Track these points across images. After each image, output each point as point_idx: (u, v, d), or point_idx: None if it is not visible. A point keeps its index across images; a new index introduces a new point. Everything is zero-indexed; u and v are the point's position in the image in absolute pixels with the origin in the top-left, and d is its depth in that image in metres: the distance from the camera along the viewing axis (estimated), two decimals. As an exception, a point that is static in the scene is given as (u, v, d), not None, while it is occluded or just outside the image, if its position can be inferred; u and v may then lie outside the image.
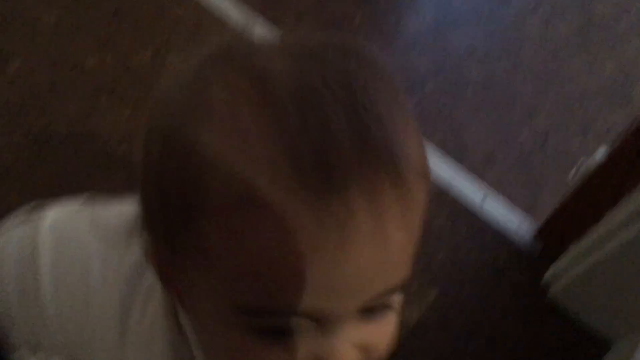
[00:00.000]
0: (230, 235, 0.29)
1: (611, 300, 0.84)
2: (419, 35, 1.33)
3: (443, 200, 1.00)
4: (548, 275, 0.92)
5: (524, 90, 1.29)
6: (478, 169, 1.08)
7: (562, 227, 0.91)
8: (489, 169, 1.10)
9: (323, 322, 0.32)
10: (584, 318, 0.89)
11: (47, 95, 0.95)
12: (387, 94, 0.31)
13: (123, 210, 0.42)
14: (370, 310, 0.34)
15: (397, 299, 0.35)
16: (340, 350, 0.33)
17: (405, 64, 1.28)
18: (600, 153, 0.83)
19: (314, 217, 0.28)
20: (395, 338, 0.38)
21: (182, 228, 0.31)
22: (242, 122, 0.29)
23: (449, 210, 0.98)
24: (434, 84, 1.25)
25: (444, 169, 1.05)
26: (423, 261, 0.93)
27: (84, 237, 0.43)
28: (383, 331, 0.36)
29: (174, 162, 0.31)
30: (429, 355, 0.86)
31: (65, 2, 1.05)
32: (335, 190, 0.27)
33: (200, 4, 1.13)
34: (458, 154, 1.09)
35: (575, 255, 0.86)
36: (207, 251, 0.31)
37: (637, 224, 0.74)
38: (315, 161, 0.27)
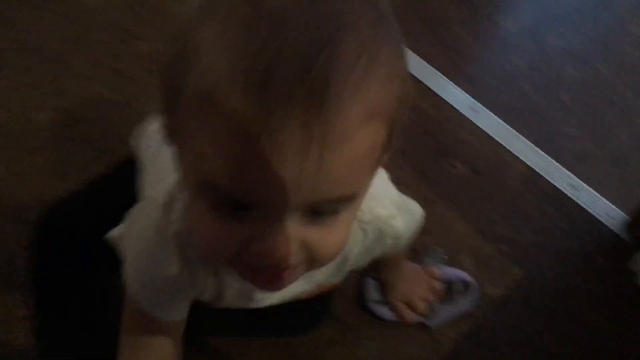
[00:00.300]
0: (195, 123, 0.37)
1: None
2: (516, 36, 1.35)
3: (533, 184, 1.02)
4: (636, 262, 0.91)
5: (623, 92, 1.28)
6: (571, 167, 1.08)
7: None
8: (582, 167, 1.10)
9: (264, 213, 0.38)
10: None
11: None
12: (367, 41, 0.35)
13: None
14: (318, 213, 0.39)
15: (347, 212, 0.41)
16: (281, 240, 0.38)
17: (501, 63, 1.30)
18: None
19: (255, 125, 0.34)
20: (339, 247, 0.43)
21: (172, 111, 0.40)
22: (227, 37, 0.35)
23: (538, 195, 1.00)
24: (529, 83, 1.27)
25: (536, 157, 1.07)
26: (508, 242, 0.95)
27: None
28: (327, 235, 0.41)
29: (173, 54, 0.38)
30: (511, 331, 0.88)
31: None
32: (272, 109, 0.33)
33: None
34: (551, 153, 1.10)
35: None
36: (182, 132, 0.39)
37: None
38: (263, 83, 0.33)
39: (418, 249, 0.90)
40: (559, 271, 0.93)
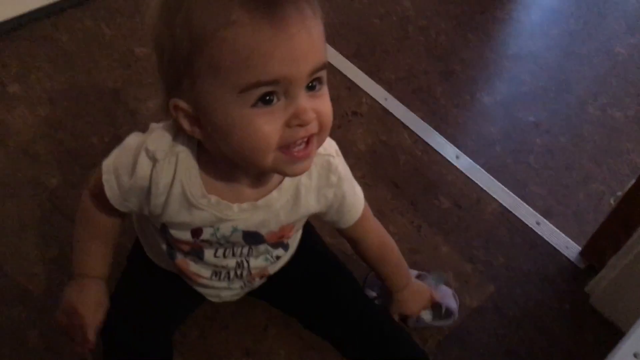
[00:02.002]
0: (224, 43, 0.55)
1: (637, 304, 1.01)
2: (490, 109, 1.55)
3: (505, 219, 1.22)
4: (589, 285, 1.11)
5: (580, 160, 1.48)
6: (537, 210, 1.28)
7: (602, 245, 1.11)
8: (545, 220, 1.28)
9: (289, 93, 0.57)
10: (616, 321, 1.07)
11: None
12: None
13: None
14: (312, 88, 0.60)
15: (325, 85, 0.62)
16: (304, 105, 0.58)
17: (477, 130, 1.49)
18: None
19: (265, 22, 0.54)
20: (331, 112, 0.63)
21: (197, 56, 0.57)
22: None
23: (509, 226, 1.20)
24: (502, 148, 1.45)
25: (506, 196, 1.27)
26: (484, 263, 1.14)
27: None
28: (324, 103, 0.62)
29: (179, 24, 0.56)
30: (484, 334, 1.05)
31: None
32: (274, 6, 0.54)
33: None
34: (520, 197, 1.30)
35: (610, 267, 1.05)
36: (213, 61, 0.56)
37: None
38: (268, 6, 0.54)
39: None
40: (525, 289, 1.12)
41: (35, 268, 1.03)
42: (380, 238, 0.91)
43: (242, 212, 0.72)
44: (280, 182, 0.73)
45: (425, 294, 0.99)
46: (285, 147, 0.60)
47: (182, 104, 0.61)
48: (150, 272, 0.90)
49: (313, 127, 0.61)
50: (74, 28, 1.39)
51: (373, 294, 1.02)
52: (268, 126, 0.58)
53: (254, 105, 0.57)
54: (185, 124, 0.63)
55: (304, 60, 0.56)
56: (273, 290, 0.96)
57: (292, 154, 0.61)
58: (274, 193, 0.73)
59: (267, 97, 0.57)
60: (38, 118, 1.22)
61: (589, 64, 1.67)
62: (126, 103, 1.27)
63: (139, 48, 1.38)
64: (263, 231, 0.76)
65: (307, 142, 0.62)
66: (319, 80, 0.61)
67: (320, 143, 0.65)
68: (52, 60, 1.33)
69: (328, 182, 0.75)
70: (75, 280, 0.85)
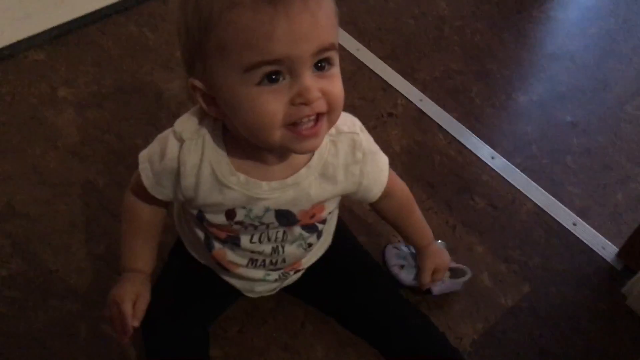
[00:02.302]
0: (229, 25, 0.57)
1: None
2: (526, 109, 1.54)
3: (540, 219, 1.22)
4: (626, 286, 1.10)
5: (619, 160, 1.45)
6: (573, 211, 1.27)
7: (640, 246, 1.11)
8: (581, 221, 1.28)
9: (294, 72, 0.59)
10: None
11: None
12: None
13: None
14: (321, 68, 0.61)
15: (336, 67, 0.63)
16: (309, 84, 0.60)
17: (513, 130, 1.48)
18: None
19: (266, 3, 0.55)
20: (342, 93, 0.64)
21: (206, 38, 0.59)
22: None
23: (545, 226, 1.20)
24: (538, 148, 1.45)
25: (542, 196, 1.28)
26: (519, 263, 1.15)
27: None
28: (333, 84, 0.63)
29: (190, 10, 0.60)
30: (519, 333, 1.06)
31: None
32: None
33: None
34: (557, 197, 1.30)
35: (649, 268, 1.06)
36: (220, 42, 0.59)
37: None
38: None
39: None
40: (561, 289, 1.12)
41: (84, 264, 1.08)
42: (406, 192, 0.94)
43: (272, 190, 0.74)
44: (309, 160, 0.74)
45: (445, 251, 1.02)
46: (292, 124, 0.62)
47: (198, 83, 0.64)
48: (189, 267, 0.94)
49: (319, 106, 0.62)
50: (118, 33, 1.45)
51: (397, 262, 1.04)
52: (272, 103, 0.60)
53: (259, 83, 0.60)
54: (203, 103, 0.67)
55: (305, 40, 0.58)
56: (308, 290, 0.99)
57: (300, 131, 0.63)
58: (303, 171, 0.74)
59: (273, 76, 0.59)
60: (86, 120, 1.28)
61: (627, 63, 1.66)
62: (169, 106, 1.32)
63: (181, 52, 1.42)
64: (295, 209, 0.78)
65: (316, 121, 0.63)
66: (327, 61, 0.62)
67: (331, 123, 0.66)
68: (98, 65, 1.38)
69: (354, 159, 0.76)
70: (121, 275, 0.90)
